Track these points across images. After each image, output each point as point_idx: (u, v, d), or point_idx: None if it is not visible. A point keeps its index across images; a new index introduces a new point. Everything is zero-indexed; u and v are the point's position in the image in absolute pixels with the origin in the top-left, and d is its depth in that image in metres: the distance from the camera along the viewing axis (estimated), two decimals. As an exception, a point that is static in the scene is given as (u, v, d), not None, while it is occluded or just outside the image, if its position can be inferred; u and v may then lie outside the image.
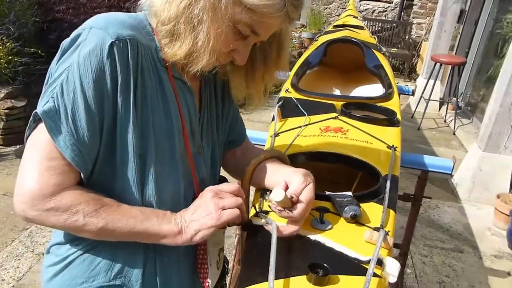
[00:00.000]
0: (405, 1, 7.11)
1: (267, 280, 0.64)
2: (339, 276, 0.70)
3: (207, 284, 0.87)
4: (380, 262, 0.73)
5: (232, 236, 2.13)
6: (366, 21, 6.52)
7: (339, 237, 0.80)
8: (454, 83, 4.85)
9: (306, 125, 1.44)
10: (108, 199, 0.73)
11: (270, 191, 0.87)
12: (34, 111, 0.69)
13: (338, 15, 6.92)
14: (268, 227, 0.82)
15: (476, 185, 3.28)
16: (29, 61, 3.81)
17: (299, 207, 0.78)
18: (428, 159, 1.68)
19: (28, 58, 3.82)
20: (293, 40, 6.48)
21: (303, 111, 1.56)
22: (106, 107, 0.69)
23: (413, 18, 7.23)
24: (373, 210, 0.92)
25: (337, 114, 1.53)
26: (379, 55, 2.28)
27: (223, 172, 1.00)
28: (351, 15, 3.58)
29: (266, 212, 0.87)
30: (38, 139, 0.69)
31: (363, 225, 0.85)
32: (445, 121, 5.06)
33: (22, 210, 0.69)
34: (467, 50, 5.34)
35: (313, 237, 0.81)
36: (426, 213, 3.08)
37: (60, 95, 0.67)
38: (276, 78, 0.94)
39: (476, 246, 2.76)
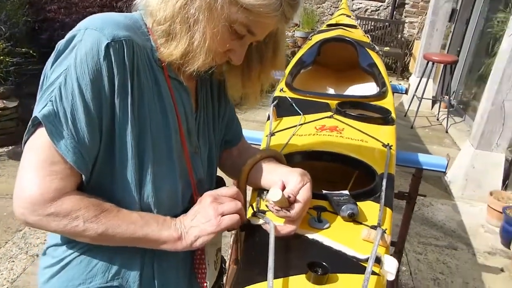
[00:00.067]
0: (397, 0, 7.15)
1: (266, 280, 0.65)
2: (337, 274, 0.70)
3: (205, 284, 0.87)
4: (378, 260, 0.74)
5: (228, 236, 2.13)
6: (359, 20, 6.55)
7: (337, 236, 0.81)
8: (446, 82, 4.89)
9: (302, 124, 1.44)
10: (108, 204, 0.72)
11: (267, 190, 0.87)
12: (34, 116, 0.68)
13: (331, 14, 6.94)
14: (266, 227, 0.82)
15: (469, 182, 3.31)
16: (21, 61, 3.77)
17: (297, 207, 0.78)
18: (422, 157, 1.69)
19: (20, 58, 3.78)
20: (286, 39, 6.49)
21: (298, 110, 1.56)
22: (104, 108, 0.69)
23: (405, 17, 7.28)
24: (369, 209, 0.92)
25: (332, 113, 1.53)
26: (372, 54, 2.29)
27: (219, 172, 1.00)
28: (344, 14, 3.59)
29: (264, 212, 0.87)
30: (38, 143, 0.68)
31: (360, 223, 0.86)
32: (437, 119, 5.10)
33: (22, 214, 0.68)
34: (458, 49, 5.38)
35: (311, 236, 0.81)
36: (420, 211, 3.10)
37: (59, 98, 0.67)
38: (273, 77, 0.94)
39: (470, 243, 2.79)
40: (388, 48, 6.82)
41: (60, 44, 0.70)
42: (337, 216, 0.88)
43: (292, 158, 1.17)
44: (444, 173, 1.76)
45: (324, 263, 0.69)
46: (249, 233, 0.84)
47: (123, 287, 0.79)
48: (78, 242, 0.77)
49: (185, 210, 0.80)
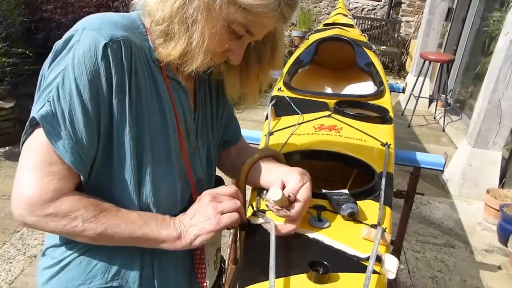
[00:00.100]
0: (393, -1, 7.17)
1: (268, 279, 0.65)
2: (338, 273, 0.70)
3: (205, 284, 0.87)
4: (379, 259, 0.74)
5: (227, 236, 2.12)
6: (355, 19, 6.56)
7: (337, 235, 0.81)
8: (443, 81, 4.90)
9: (300, 123, 1.44)
10: (107, 204, 0.72)
11: (267, 190, 0.87)
12: (31, 116, 0.68)
13: (328, 14, 6.94)
14: (266, 226, 0.82)
15: (466, 181, 3.32)
16: (17, 62, 3.76)
17: (297, 206, 0.78)
18: (420, 156, 1.69)
19: (16, 59, 3.77)
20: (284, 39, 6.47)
21: (296, 109, 1.56)
22: (102, 108, 0.69)
23: (401, 16, 7.29)
24: (369, 208, 0.92)
25: (330, 112, 1.54)
26: (369, 53, 2.29)
27: (218, 172, 1.00)
28: (341, 13, 3.59)
29: (264, 211, 0.87)
30: (36, 144, 0.68)
31: (360, 222, 0.86)
32: (434, 118, 5.12)
33: (21, 215, 0.68)
34: (455, 48, 5.40)
35: (311, 235, 0.81)
36: (417, 209, 3.11)
37: (57, 99, 0.67)
38: (271, 77, 0.94)
39: (467, 241, 2.80)
40: (384, 47, 6.83)
41: (58, 44, 0.70)
42: (337, 215, 0.88)
43: (291, 158, 1.17)
44: (442, 171, 1.76)
45: (325, 262, 0.69)
46: (249, 233, 0.84)
47: (122, 287, 0.79)
48: (77, 242, 0.77)
49: (184, 210, 0.80)
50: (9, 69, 3.67)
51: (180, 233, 0.75)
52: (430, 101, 5.37)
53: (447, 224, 2.98)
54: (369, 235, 0.80)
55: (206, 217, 0.75)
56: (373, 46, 2.55)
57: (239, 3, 0.70)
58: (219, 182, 0.97)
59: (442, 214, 3.10)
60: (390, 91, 2.19)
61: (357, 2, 7.38)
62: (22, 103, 3.57)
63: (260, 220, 0.85)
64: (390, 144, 1.29)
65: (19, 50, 3.87)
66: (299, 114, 1.52)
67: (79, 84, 0.66)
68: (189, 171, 0.84)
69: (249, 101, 0.94)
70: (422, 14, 6.49)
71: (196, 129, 0.88)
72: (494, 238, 2.84)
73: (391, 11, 7.23)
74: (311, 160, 1.21)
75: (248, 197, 0.99)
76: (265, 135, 1.37)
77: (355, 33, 2.73)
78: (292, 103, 1.63)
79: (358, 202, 0.91)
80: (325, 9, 7.45)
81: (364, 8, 7.40)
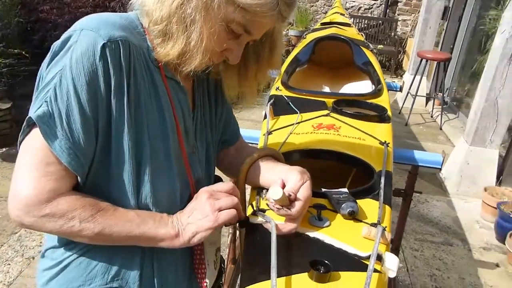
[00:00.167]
0: (390, -2, 7.19)
1: (269, 278, 0.65)
2: (340, 272, 0.70)
3: (205, 284, 0.87)
4: (379, 258, 0.74)
5: (225, 235, 2.12)
6: (352, 18, 6.57)
7: (338, 234, 0.81)
8: (440, 79, 4.92)
9: (299, 122, 1.44)
10: (105, 204, 0.72)
11: (267, 189, 0.87)
12: (28, 116, 0.68)
13: (325, 13, 6.95)
14: (267, 225, 0.82)
15: (464, 179, 3.33)
16: (13, 63, 3.74)
17: (297, 205, 0.78)
18: (418, 154, 1.69)
19: (12, 60, 3.75)
20: (280, 38, 6.47)
21: (295, 108, 1.56)
22: (100, 109, 0.69)
23: (398, 15, 7.31)
24: (369, 206, 0.92)
25: (328, 111, 1.54)
26: (367, 52, 2.30)
27: (217, 172, 1.00)
28: (338, 13, 3.60)
29: (264, 211, 0.87)
30: (33, 144, 0.68)
31: (360, 221, 0.86)
32: (431, 116, 5.13)
33: (18, 216, 0.68)
34: (451, 46, 5.42)
35: (312, 234, 0.81)
36: (415, 207, 3.11)
37: (54, 99, 0.66)
38: (269, 76, 0.94)
39: (465, 239, 2.81)
40: (381, 46, 6.84)
41: (56, 45, 0.70)
42: (337, 214, 0.88)
43: (289, 157, 1.17)
44: (440, 169, 1.77)
45: (326, 261, 0.69)
46: (249, 232, 0.84)
47: (123, 288, 0.79)
48: (77, 243, 0.77)
49: None
50: (6, 70, 3.65)
51: (178, 231, 0.75)
52: (427, 100, 5.39)
53: (445, 222, 2.99)
54: (369, 234, 0.80)
55: (204, 215, 0.75)
56: (370, 45, 2.55)
57: (237, 3, 0.70)
58: (218, 181, 0.97)
59: (440, 212, 3.11)
60: (388, 90, 2.19)
61: (354, 1, 7.39)
62: (19, 104, 3.56)
63: (260, 220, 0.85)
64: (389, 143, 1.29)
65: (16, 51, 3.85)
66: (297, 113, 1.52)
67: (76, 85, 0.66)
68: (188, 171, 0.84)
69: (247, 101, 0.94)
70: (418, 12, 6.51)
71: (195, 129, 0.88)
72: (491, 236, 2.85)
73: (388, 10, 7.25)
74: (310, 159, 1.21)
75: (247, 197, 0.99)
76: (264, 135, 1.37)
77: (352, 32, 2.73)
78: (290, 102, 1.63)
79: (357, 201, 0.91)
80: (322, 8, 7.45)
81: (361, 7, 7.41)
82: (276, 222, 0.78)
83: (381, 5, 7.32)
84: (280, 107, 1.61)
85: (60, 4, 4.31)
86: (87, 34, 0.68)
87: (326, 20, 3.33)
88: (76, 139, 0.67)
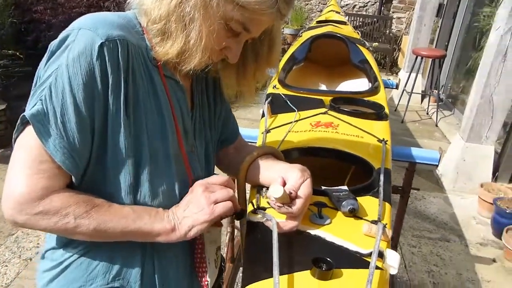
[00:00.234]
0: (384, -4, 7.20)
1: (271, 276, 0.65)
2: (342, 269, 0.70)
3: (206, 282, 0.87)
4: (380, 255, 0.74)
5: (223, 234, 2.12)
6: (347, 16, 6.58)
7: (339, 231, 0.81)
8: (435, 76, 4.94)
9: (297, 120, 1.45)
10: (99, 200, 0.72)
11: (267, 187, 0.87)
12: (22, 114, 0.68)
13: (320, 11, 6.96)
14: (267, 224, 0.82)
15: (460, 175, 3.35)
16: (7, 64, 3.72)
17: (298, 203, 0.78)
18: (415, 151, 1.70)
19: (7, 61, 3.73)
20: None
21: (293, 107, 1.56)
22: (97, 108, 0.68)
23: (393, 12, 7.32)
24: (368, 204, 0.93)
25: (326, 109, 1.54)
26: (363, 50, 2.30)
27: (217, 170, 1.00)
28: (333, 11, 3.60)
29: (264, 209, 0.87)
30: (26, 142, 0.68)
31: (361, 218, 0.86)
32: (427, 113, 5.15)
33: (11, 215, 0.68)
34: (446, 43, 5.44)
35: (313, 232, 0.81)
36: (412, 204, 3.13)
37: (49, 98, 0.66)
38: (268, 75, 0.94)
39: (462, 235, 2.83)
40: (376, 43, 6.85)
41: (53, 44, 0.70)
42: (337, 212, 0.88)
43: (288, 155, 1.16)
44: (437, 166, 1.77)
45: (328, 259, 0.70)
46: (250, 231, 0.84)
47: (124, 287, 0.79)
48: (77, 244, 0.77)
49: None
50: (0, 71, 3.63)
51: (174, 225, 0.75)
52: (423, 97, 5.41)
53: (442, 219, 3.00)
54: (370, 231, 0.80)
55: (199, 208, 0.75)
56: (366, 42, 2.56)
57: (236, 1, 0.70)
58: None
59: (437, 209, 3.12)
60: (384, 87, 2.20)
61: (349, -1, 7.40)
62: (13, 105, 3.53)
63: (261, 218, 0.85)
64: (387, 140, 1.29)
65: (10, 52, 3.83)
66: (295, 111, 1.52)
67: (72, 83, 0.66)
68: (188, 170, 0.84)
69: (246, 99, 0.94)
70: (413, 10, 6.53)
71: (194, 128, 0.87)
72: (488, 232, 2.87)
73: (383, 8, 7.26)
74: (309, 157, 1.21)
75: (247, 195, 0.98)
76: (262, 133, 1.36)
77: (348, 30, 2.73)
78: (288, 101, 1.63)
79: (357, 198, 0.91)
80: (317, 7, 7.45)
81: (355, 5, 7.42)
82: (277, 220, 0.78)
83: (375, 2, 7.33)
84: (277, 105, 1.61)
85: (54, 5, 4.29)
86: (84, 33, 0.67)
87: (322, 18, 3.33)
88: (71, 138, 0.67)
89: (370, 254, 0.73)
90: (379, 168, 1.09)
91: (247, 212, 0.90)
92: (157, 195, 0.77)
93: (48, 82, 0.67)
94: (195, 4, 0.69)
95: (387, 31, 7.15)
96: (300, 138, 1.31)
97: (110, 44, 0.67)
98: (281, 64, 2.14)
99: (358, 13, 7.37)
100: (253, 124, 4.08)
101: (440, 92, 4.93)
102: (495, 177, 3.34)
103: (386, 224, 0.82)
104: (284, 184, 0.81)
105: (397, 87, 2.81)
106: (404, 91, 4.97)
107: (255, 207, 0.89)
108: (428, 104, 5.21)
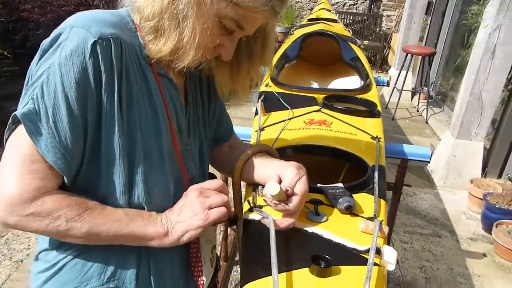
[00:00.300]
0: (374, -6, 7.24)
1: (270, 274, 0.64)
2: (340, 266, 0.70)
3: (201, 282, 0.87)
4: (378, 251, 0.74)
5: (218, 233, 2.12)
6: (337, 14, 6.60)
7: (335, 228, 0.81)
8: (425, 73, 4.98)
9: (290, 118, 1.44)
10: (92, 202, 0.71)
11: (263, 185, 0.87)
12: (13, 113, 0.66)
13: (310, 9, 6.97)
14: (264, 221, 0.82)
15: (450, 171, 3.39)
16: (-5, 63, 3.67)
17: (295, 200, 0.79)
18: (407, 148, 1.71)
19: (-6, 60, 3.68)
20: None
21: (286, 105, 1.56)
22: (89, 107, 0.68)
23: (383, 10, 7.36)
24: (364, 200, 0.93)
25: (319, 107, 1.54)
26: (355, 48, 2.31)
27: (211, 169, 0.99)
28: (324, 9, 3.60)
29: (260, 207, 0.87)
30: (18, 141, 0.67)
31: (357, 215, 0.86)
32: (417, 111, 5.20)
33: (2, 216, 0.67)
34: (436, 41, 5.48)
35: (310, 229, 0.81)
36: (404, 200, 3.15)
37: (41, 97, 0.65)
38: (261, 73, 0.94)
39: (453, 230, 2.86)
40: (367, 41, 6.88)
41: (45, 42, 0.69)
42: (334, 209, 0.88)
43: (283, 153, 1.16)
44: (428, 162, 1.79)
45: (327, 256, 0.70)
46: (247, 229, 0.84)
47: (119, 288, 0.78)
48: (71, 245, 0.76)
49: None
50: (-13, 70, 3.58)
51: (167, 229, 0.75)
52: (413, 94, 5.45)
53: (433, 215, 3.03)
54: (367, 227, 0.80)
55: (193, 213, 0.75)
56: (357, 40, 2.57)
57: None
58: (212, 179, 0.97)
59: (428, 205, 3.15)
60: (376, 85, 2.21)
61: (339, -3, 7.43)
62: (2, 105, 3.48)
63: (257, 216, 0.85)
64: (380, 138, 1.30)
65: (-3, 51, 3.77)
66: (288, 109, 1.52)
67: (65, 82, 0.65)
68: (182, 168, 0.83)
69: (240, 98, 0.94)
70: (402, 8, 6.57)
71: (188, 126, 0.87)
72: (478, 227, 2.91)
73: (372, 6, 7.30)
74: (303, 154, 1.21)
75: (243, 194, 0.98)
76: (256, 131, 1.36)
77: (339, 28, 2.74)
78: (281, 99, 1.62)
79: (352, 195, 0.92)
80: (307, 5, 7.46)
81: (345, 3, 7.45)
82: (273, 218, 0.78)
83: (365, 0, 7.37)
84: (270, 103, 1.61)
85: (42, 3, 4.23)
86: (77, 31, 0.67)
87: (313, 16, 3.34)
88: (63, 137, 0.66)
89: (367, 251, 0.73)
90: (373, 165, 1.09)
91: (243, 210, 0.89)
92: (151, 194, 0.76)
93: (40, 81, 0.66)
94: (188, 2, 0.69)
95: (377, 29, 7.19)
96: (294, 136, 1.31)
97: (103, 42, 0.67)
98: (273, 62, 2.14)
99: (349, 11, 7.40)
100: (245, 122, 4.08)
101: (430, 90, 4.97)
102: (484, 173, 3.39)
103: (382, 220, 0.82)
104: (280, 181, 0.81)
105: (388, 85, 2.82)
106: (395, 89, 5.01)
107: (252, 205, 0.89)
108: (418, 101, 5.25)
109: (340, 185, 0.95)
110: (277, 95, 1.67)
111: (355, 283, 0.68)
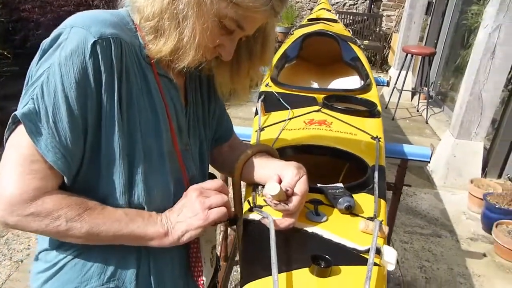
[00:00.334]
0: (374, -6, 7.24)
1: (270, 274, 0.64)
2: (340, 266, 0.70)
3: (201, 282, 0.87)
4: (378, 251, 0.74)
5: (217, 233, 2.12)
6: (337, 14, 6.60)
7: (335, 228, 0.81)
8: (425, 73, 4.98)
9: (290, 118, 1.45)
10: (92, 202, 0.71)
11: (263, 185, 0.87)
12: (13, 113, 0.66)
13: (310, 9, 6.97)
14: (264, 221, 0.82)
15: (450, 171, 3.39)
16: (-5, 63, 3.67)
17: (295, 200, 0.79)
18: (407, 148, 1.71)
19: (-6, 60, 3.68)
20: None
21: (286, 105, 1.56)
22: (90, 107, 0.68)
23: (383, 10, 7.36)
24: (364, 200, 0.93)
25: (319, 107, 1.54)
26: (355, 48, 2.31)
27: (211, 169, 0.99)
28: (324, 9, 3.60)
29: (260, 207, 0.87)
30: (18, 141, 0.67)
31: (357, 215, 0.86)
32: (417, 111, 5.20)
33: (2, 216, 0.67)
34: (435, 41, 5.49)
35: (310, 229, 0.81)
36: (404, 200, 3.15)
37: (41, 97, 0.65)
38: (261, 73, 0.94)
39: (453, 230, 2.86)
40: (367, 41, 6.88)
41: (45, 42, 0.69)
42: (334, 209, 0.88)
43: (283, 153, 1.16)
44: (428, 162, 1.79)
45: (327, 256, 0.70)
46: (247, 229, 0.84)
47: (119, 288, 0.78)
48: (71, 245, 0.76)
49: None
50: (-13, 70, 3.58)
51: (167, 229, 0.75)
52: (413, 94, 5.45)
53: (433, 214, 3.03)
54: (367, 227, 0.80)
55: (193, 213, 0.75)
56: (357, 40, 2.57)
57: None
58: (212, 179, 0.97)
59: (428, 205, 3.15)
60: (376, 85, 2.21)
61: (339, -3, 7.43)
62: (2, 105, 3.48)
63: (257, 216, 0.85)
64: (380, 138, 1.30)
65: (-3, 51, 3.77)
66: (288, 109, 1.52)
67: (65, 82, 0.65)
68: (182, 168, 0.83)
69: (240, 98, 0.94)
70: (402, 8, 6.57)
71: (188, 126, 0.87)
72: (478, 227, 2.91)
73: (372, 6, 7.30)
74: (303, 154, 1.21)
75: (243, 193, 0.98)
76: (256, 131, 1.36)
77: (339, 28, 2.74)
78: (281, 99, 1.62)
79: (352, 195, 0.92)
80: (307, 5, 7.46)
81: (345, 3, 7.45)
82: (273, 218, 0.78)
83: (365, 0, 7.37)
84: (270, 103, 1.61)
85: (42, 3, 4.23)
86: (77, 31, 0.67)
87: (313, 16, 3.34)
88: (63, 138, 0.66)
89: (367, 251, 0.73)
90: (373, 165, 1.09)
91: (243, 210, 0.89)
92: (151, 194, 0.76)
93: (40, 81, 0.66)
94: (188, 1, 0.69)
95: (377, 29, 7.19)
96: (294, 136, 1.31)
97: (103, 42, 0.67)
98: (273, 62, 2.14)
99: (349, 11, 7.40)
100: (245, 122, 4.08)
101: (430, 90, 4.97)
102: (484, 173, 3.39)
103: (382, 220, 0.82)
104: (280, 181, 0.81)
105: (388, 85, 2.82)
106: (395, 89, 5.01)
107: (252, 205, 0.89)
108: (418, 101, 5.25)
109: (340, 185, 0.95)
110: (277, 95, 1.67)
111: (355, 283, 0.68)
